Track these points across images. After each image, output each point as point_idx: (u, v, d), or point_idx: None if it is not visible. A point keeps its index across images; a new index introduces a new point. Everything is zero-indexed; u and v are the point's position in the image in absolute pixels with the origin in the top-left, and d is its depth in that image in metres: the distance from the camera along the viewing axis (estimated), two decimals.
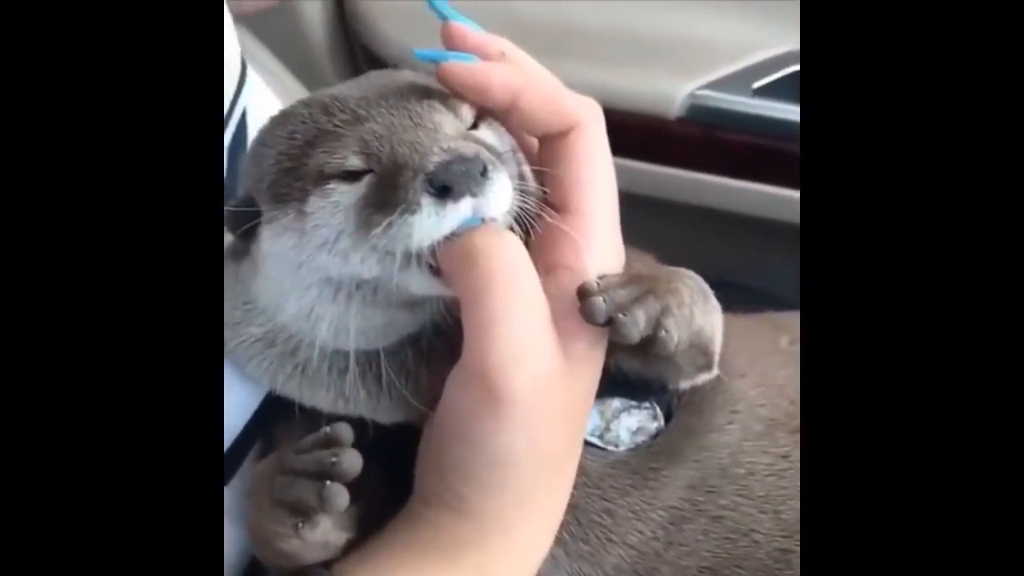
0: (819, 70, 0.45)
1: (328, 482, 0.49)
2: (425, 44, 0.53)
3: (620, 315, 0.50)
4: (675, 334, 0.51)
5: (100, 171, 0.41)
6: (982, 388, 0.41)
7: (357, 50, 1.32)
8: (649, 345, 0.51)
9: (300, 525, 0.50)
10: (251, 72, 0.75)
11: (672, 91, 1.09)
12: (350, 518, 0.52)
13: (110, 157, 0.41)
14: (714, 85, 1.10)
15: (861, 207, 0.43)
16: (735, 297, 0.59)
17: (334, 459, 0.50)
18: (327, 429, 0.52)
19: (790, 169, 1.03)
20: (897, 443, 0.42)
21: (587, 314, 0.50)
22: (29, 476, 0.39)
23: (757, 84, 1.09)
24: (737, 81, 1.09)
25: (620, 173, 0.55)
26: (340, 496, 0.49)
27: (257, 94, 0.74)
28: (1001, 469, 0.41)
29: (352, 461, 0.50)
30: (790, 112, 1.07)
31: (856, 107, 0.44)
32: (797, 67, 1.06)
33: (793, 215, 1.05)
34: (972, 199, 0.42)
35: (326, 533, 0.51)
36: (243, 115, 0.70)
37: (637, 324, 0.50)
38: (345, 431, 0.51)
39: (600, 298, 0.50)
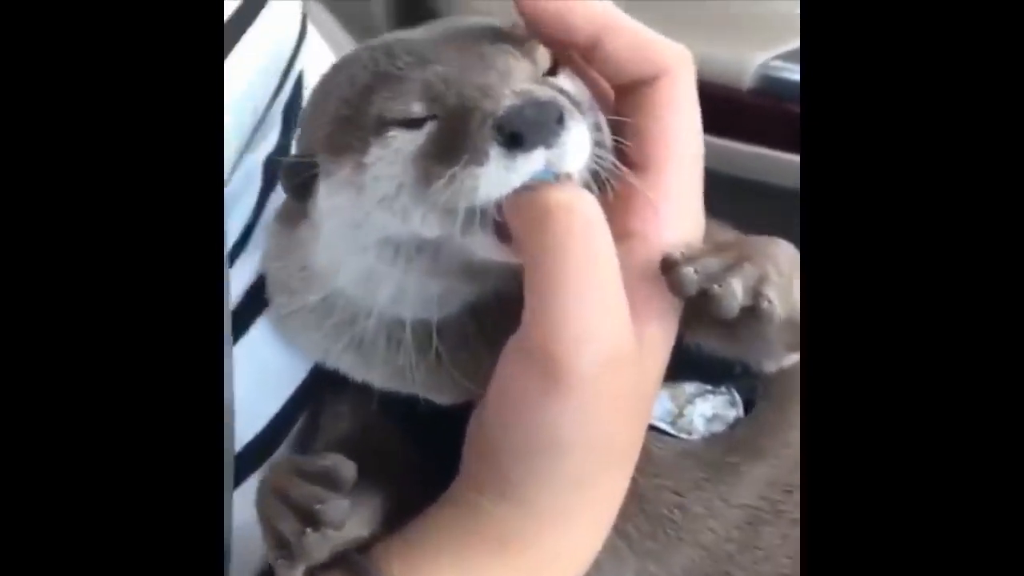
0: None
1: (308, 530, 0.45)
2: None
3: (715, 286, 0.44)
4: (778, 305, 0.45)
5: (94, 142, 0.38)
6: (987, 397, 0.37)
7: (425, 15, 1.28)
8: (748, 319, 0.45)
9: (280, 561, 0.46)
10: (312, 33, 0.70)
11: (745, 60, 1.05)
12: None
13: (103, 131, 0.38)
14: (790, 56, 1.04)
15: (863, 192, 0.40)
16: None
17: (319, 506, 0.45)
18: (330, 463, 0.47)
19: None
20: (906, 446, 0.38)
21: (676, 287, 0.45)
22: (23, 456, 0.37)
23: None
24: None
25: None
26: (318, 548, 0.45)
27: (317, 57, 0.70)
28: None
29: (336, 513, 0.45)
30: None
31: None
32: None
33: None
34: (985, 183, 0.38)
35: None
36: (299, 77, 0.66)
37: (735, 295, 0.44)
38: (347, 471, 0.46)
39: (690, 268, 0.45)
